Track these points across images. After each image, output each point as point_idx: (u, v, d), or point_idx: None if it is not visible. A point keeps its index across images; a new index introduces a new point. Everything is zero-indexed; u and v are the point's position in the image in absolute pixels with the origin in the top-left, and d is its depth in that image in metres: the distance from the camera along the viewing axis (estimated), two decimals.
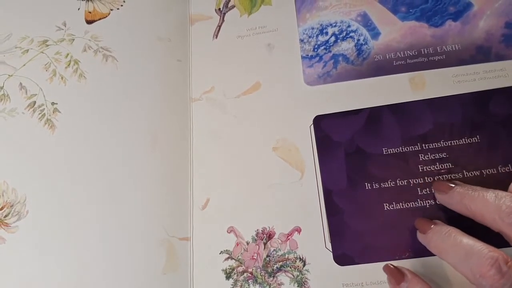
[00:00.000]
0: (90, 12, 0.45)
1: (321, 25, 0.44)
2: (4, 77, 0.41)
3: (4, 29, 0.43)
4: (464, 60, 0.40)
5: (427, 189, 0.36)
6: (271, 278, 0.35)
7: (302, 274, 0.35)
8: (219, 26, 0.45)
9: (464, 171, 0.36)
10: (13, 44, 0.42)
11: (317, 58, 0.42)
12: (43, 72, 0.41)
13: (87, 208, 0.37)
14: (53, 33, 0.43)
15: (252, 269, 0.36)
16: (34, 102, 0.40)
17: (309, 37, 0.44)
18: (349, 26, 0.43)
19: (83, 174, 0.38)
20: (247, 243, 0.37)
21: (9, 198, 0.36)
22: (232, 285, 0.36)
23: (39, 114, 0.39)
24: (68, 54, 0.42)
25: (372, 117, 0.39)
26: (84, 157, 0.39)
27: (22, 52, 0.42)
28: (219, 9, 0.46)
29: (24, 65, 0.41)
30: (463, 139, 0.37)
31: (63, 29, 0.43)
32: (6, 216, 0.36)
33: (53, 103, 0.40)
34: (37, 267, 0.35)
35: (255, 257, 0.36)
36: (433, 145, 0.37)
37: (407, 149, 0.37)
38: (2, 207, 0.36)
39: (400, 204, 0.36)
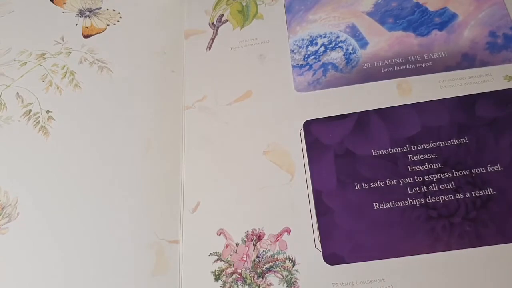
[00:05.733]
0: (87, 28, 0.46)
1: (311, 36, 0.45)
2: (2, 87, 0.42)
3: (5, 44, 0.45)
4: (450, 67, 0.41)
5: (417, 188, 0.36)
6: (260, 279, 0.35)
7: (291, 275, 0.35)
8: (212, 39, 0.47)
9: (454, 170, 0.36)
10: (12, 57, 0.44)
11: (307, 67, 0.43)
12: (40, 82, 0.42)
13: (78, 211, 0.37)
14: (51, 47, 0.45)
15: (241, 271, 0.35)
16: (30, 110, 0.41)
17: (299, 47, 0.45)
18: (338, 37, 0.45)
19: (75, 178, 0.38)
20: (237, 245, 0.36)
21: (1, 200, 0.37)
22: (221, 286, 0.35)
23: (34, 121, 0.40)
24: (64, 66, 0.43)
25: (361, 121, 0.39)
26: (76, 162, 0.39)
27: (20, 65, 0.43)
28: (213, 23, 0.48)
29: (21, 76, 0.43)
30: (451, 140, 0.37)
31: (60, 43, 0.45)
32: None
33: (48, 111, 0.41)
34: (26, 267, 0.35)
35: (245, 259, 0.36)
36: (421, 146, 0.37)
37: (395, 150, 0.38)
38: None
39: (390, 203, 0.36)
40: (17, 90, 0.42)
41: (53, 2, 0.47)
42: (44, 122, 0.40)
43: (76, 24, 0.46)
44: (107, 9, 0.48)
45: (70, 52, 0.44)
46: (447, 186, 0.35)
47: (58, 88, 0.42)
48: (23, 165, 0.38)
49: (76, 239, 0.36)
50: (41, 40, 0.45)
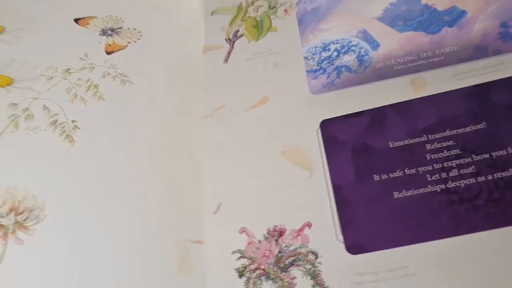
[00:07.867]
0: (109, 45, 0.49)
1: (323, 43, 0.46)
2: (30, 100, 0.44)
3: (33, 61, 0.47)
4: (463, 59, 0.41)
5: (437, 175, 0.35)
6: (284, 273, 0.35)
7: (314, 267, 0.34)
8: (229, 53, 0.49)
9: (473, 155, 0.36)
10: (39, 72, 0.46)
11: (321, 71, 0.44)
12: (65, 95, 0.44)
13: (103, 214, 0.38)
14: (76, 63, 0.47)
15: (264, 266, 0.35)
16: (56, 120, 0.43)
17: (313, 54, 0.46)
18: (350, 42, 0.46)
19: (100, 182, 0.40)
20: (259, 242, 0.36)
21: (29, 203, 0.38)
22: (245, 283, 0.35)
23: (60, 130, 0.42)
24: (88, 80, 0.46)
25: (376, 116, 0.40)
26: (101, 167, 0.40)
27: (47, 79, 0.45)
28: (229, 38, 0.50)
29: (48, 89, 0.45)
30: (469, 127, 0.37)
31: (85, 59, 0.47)
32: (25, 220, 0.37)
33: (73, 121, 0.43)
34: (52, 267, 0.36)
35: (267, 254, 0.36)
36: (439, 135, 0.37)
37: (413, 141, 0.38)
38: (22, 211, 0.37)
39: (411, 191, 0.35)
40: (44, 102, 0.44)
41: (77, 23, 0.50)
42: (70, 131, 0.42)
43: (99, 42, 0.49)
44: (128, 28, 0.50)
45: (94, 67, 0.47)
46: (467, 171, 0.35)
47: (82, 100, 0.44)
48: (50, 170, 0.40)
49: (101, 240, 0.37)
50: (66, 57, 0.47)
